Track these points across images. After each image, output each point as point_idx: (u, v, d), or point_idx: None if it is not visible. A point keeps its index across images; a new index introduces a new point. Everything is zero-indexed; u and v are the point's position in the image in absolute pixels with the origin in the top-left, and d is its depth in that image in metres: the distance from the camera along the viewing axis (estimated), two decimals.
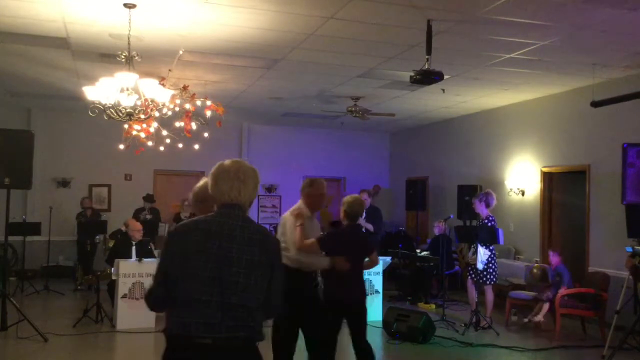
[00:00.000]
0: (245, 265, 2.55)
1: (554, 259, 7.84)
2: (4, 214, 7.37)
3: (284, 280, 2.73)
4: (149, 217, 10.94)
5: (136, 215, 10.77)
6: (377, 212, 9.56)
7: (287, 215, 4.86)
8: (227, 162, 2.70)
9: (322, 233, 5.12)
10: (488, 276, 7.74)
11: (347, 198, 5.09)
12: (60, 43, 6.95)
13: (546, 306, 7.67)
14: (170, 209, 11.87)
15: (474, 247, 7.84)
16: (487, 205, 7.88)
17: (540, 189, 9.53)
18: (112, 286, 7.81)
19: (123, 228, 9.08)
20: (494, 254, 7.83)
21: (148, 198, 11.37)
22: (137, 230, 8.26)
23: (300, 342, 4.75)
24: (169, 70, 7.82)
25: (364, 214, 7.74)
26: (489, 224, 7.80)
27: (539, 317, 7.67)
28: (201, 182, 3.20)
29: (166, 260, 2.59)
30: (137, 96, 5.85)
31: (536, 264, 8.82)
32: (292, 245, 4.69)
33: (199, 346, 2.48)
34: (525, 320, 7.73)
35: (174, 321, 2.53)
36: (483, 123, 11.12)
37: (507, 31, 6.14)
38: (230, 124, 12.26)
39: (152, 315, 7.57)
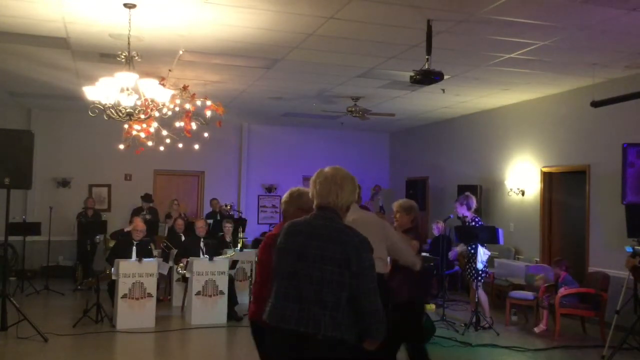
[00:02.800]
0: (320, 261, 2.68)
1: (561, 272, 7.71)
2: (4, 214, 7.37)
3: (376, 284, 2.70)
4: (148, 217, 10.92)
5: (135, 215, 10.76)
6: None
7: (388, 224, 4.72)
8: (326, 168, 2.94)
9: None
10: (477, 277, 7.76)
11: (410, 203, 5.20)
12: (60, 43, 6.95)
13: (546, 312, 7.67)
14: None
15: (455, 245, 7.87)
16: (468, 208, 7.91)
17: (540, 189, 9.52)
18: (112, 286, 7.81)
19: (127, 228, 9.10)
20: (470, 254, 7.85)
21: (146, 198, 11.39)
22: (139, 231, 8.26)
23: None
24: (169, 70, 7.83)
25: None
26: (474, 224, 7.84)
27: (543, 327, 7.65)
28: (301, 191, 3.55)
29: (274, 257, 2.93)
30: (137, 96, 5.85)
31: (538, 277, 8.61)
32: (407, 248, 4.72)
33: (278, 334, 2.74)
34: (536, 330, 7.69)
35: (265, 309, 2.84)
36: (483, 123, 11.12)
37: (507, 31, 6.14)
38: (230, 124, 12.28)
39: (152, 315, 7.60)
